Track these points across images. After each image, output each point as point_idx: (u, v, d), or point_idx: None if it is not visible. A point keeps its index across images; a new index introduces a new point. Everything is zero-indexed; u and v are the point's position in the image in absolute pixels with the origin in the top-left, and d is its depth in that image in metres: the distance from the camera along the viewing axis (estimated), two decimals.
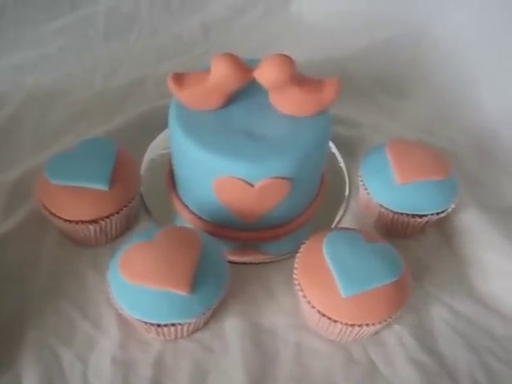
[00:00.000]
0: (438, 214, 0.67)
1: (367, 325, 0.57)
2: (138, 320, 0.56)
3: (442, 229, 0.71)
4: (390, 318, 0.58)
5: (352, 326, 0.57)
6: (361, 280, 0.56)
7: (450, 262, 0.69)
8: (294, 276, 0.61)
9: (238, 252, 0.68)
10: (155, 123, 0.79)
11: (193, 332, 0.61)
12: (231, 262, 0.62)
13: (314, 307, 0.58)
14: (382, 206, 0.67)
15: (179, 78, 0.63)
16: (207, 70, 0.62)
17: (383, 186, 0.67)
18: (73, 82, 0.85)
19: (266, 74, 0.61)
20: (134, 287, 0.56)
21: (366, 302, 0.56)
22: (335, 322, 0.57)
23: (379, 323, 0.57)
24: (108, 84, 0.86)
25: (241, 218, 0.66)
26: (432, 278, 0.67)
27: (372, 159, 0.70)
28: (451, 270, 0.68)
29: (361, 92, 0.86)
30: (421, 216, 0.66)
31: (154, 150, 0.78)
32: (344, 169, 0.77)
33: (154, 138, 0.79)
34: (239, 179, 0.61)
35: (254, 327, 0.62)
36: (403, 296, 0.58)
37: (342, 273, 0.57)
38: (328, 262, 0.58)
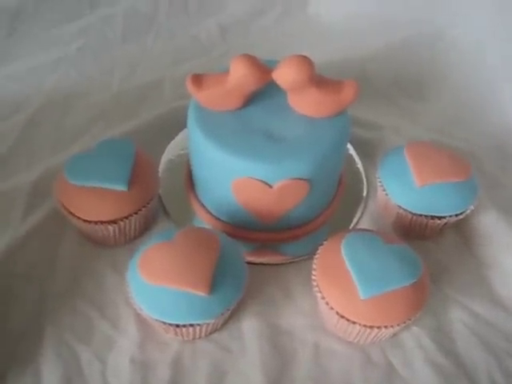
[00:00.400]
0: (456, 215, 0.66)
1: (386, 327, 0.57)
2: (156, 320, 0.57)
3: (460, 231, 0.71)
4: (409, 320, 0.58)
5: (370, 327, 0.57)
6: (379, 281, 0.56)
7: (469, 264, 0.68)
8: (313, 277, 0.61)
9: (256, 253, 0.68)
10: (173, 124, 0.80)
11: (211, 333, 0.61)
12: (249, 263, 0.62)
13: (332, 308, 0.58)
14: (400, 207, 0.67)
15: (198, 79, 0.64)
16: (226, 72, 0.62)
17: (402, 188, 0.66)
18: (91, 84, 0.86)
19: (285, 75, 0.61)
20: (153, 287, 0.56)
21: (384, 303, 0.56)
22: (353, 323, 0.57)
23: (398, 325, 0.57)
24: (125, 85, 0.86)
25: (259, 219, 0.66)
26: (451, 281, 0.66)
27: (390, 161, 0.69)
28: (470, 273, 0.67)
29: (379, 93, 0.86)
30: (439, 218, 0.66)
31: (171, 150, 0.79)
32: (362, 170, 0.77)
33: (171, 139, 0.80)
34: (258, 180, 0.61)
35: (272, 328, 0.62)
36: (422, 298, 0.58)
37: (361, 274, 0.56)
38: (347, 263, 0.58)
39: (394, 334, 0.62)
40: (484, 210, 0.70)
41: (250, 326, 0.62)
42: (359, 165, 0.77)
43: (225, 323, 0.62)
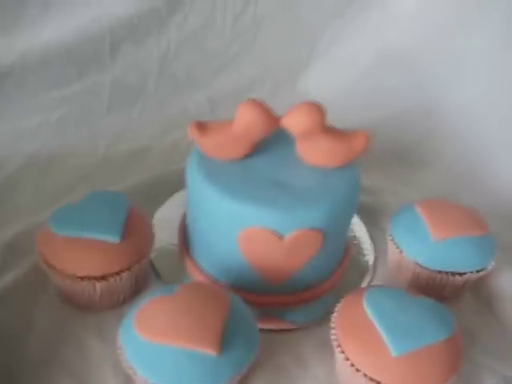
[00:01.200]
0: (478, 272, 0.62)
1: None
2: None
3: (478, 293, 0.66)
4: (446, 381, 0.50)
5: None
6: (411, 336, 0.50)
7: (492, 327, 0.63)
8: (332, 337, 0.53)
9: (261, 320, 0.60)
10: (161, 189, 0.75)
11: None
12: None
13: (358, 370, 0.50)
14: (417, 264, 0.62)
15: (202, 125, 0.60)
16: (231, 120, 0.59)
17: (418, 243, 0.62)
18: (75, 148, 0.81)
19: (295, 121, 0.58)
20: (152, 345, 0.47)
21: (419, 360, 0.49)
22: None
23: None
24: (111, 151, 0.82)
25: (266, 278, 0.60)
26: (478, 345, 0.60)
27: (402, 217, 0.65)
28: (496, 336, 0.62)
29: (376, 163, 0.84)
30: (460, 274, 0.61)
31: (161, 214, 0.72)
32: (366, 235, 0.73)
33: (161, 203, 0.74)
34: (268, 230, 0.56)
35: None
36: (458, 355, 0.51)
37: (390, 328, 0.50)
38: (371, 317, 0.51)
39: None
40: (500, 270, 0.66)
41: None
42: (362, 230, 0.73)
43: None
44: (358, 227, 0.73)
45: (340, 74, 0.94)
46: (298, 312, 0.62)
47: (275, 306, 0.62)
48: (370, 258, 0.70)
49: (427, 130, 0.89)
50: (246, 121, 0.58)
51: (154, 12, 0.87)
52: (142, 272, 0.60)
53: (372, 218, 0.74)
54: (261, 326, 0.57)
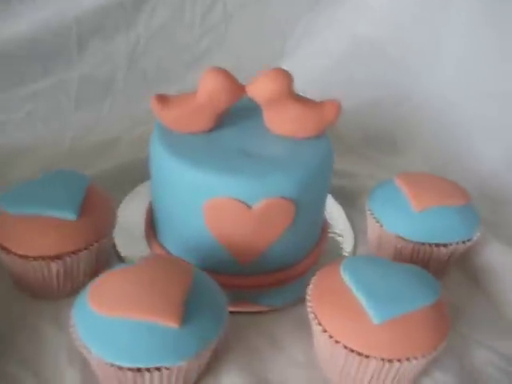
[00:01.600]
0: (463, 242, 0.58)
1: (408, 359, 0.45)
2: (111, 365, 0.42)
3: (464, 268, 0.63)
4: (434, 350, 0.46)
5: (390, 361, 0.45)
6: (394, 302, 0.45)
7: (479, 301, 0.60)
8: (309, 309, 0.49)
9: (232, 303, 0.56)
10: (130, 177, 0.71)
11: None
12: None
13: (338, 342, 0.46)
14: (399, 237, 0.58)
15: (163, 98, 0.57)
16: (194, 92, 0.56)
17: (399, 215, 0.58)
18: (40, 142, 0.77)
19: (261, 87, 0.55)
20: (107, 320, 0.43)
21: (403, 328, 0.45)
22: (367, 357, 0.45)
23: (422, 357, 0.45)
24: (78, 143, 0.78)
25: (236, 256, 0.55)
26: (465, 320, 0.57)
27: (381, 191, 0.62)
28: (483, 310, 0.58)
29: (352, 150, 0.82)
30: (445, 245, 0.57)
31: (129, 202, 0.69)
32: (344, 216, 0.69)
33: (128, 191, 0.70)
34: (234, 199, 0.52)
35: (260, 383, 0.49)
36: (445, 323, 0.47)
37: (369, 295, 0.46)
38: (349, 285, 0.47)
39: (415, 381, 0.49)
40: (485, 245, 0.62)
41: (232, 382, 0.48)
42: (339, 211, 0.70)
43: (200, 379, 0.48)
44: (334, 209, 0.69)
45: (313, 65, 0.92)
46: (271, 295, 0.58)
47: (247, 288, 0.58)
48: (349, 238, 0.66)
49: (402, 117, 0.87)
50: (209, 89, 0.55)
51: (121, 5, 0.85)
52: (102, 254, 0.56)
53: (349, 200, 0.71)
54: (232, 308, 0.52)
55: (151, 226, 0.63)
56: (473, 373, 0.51)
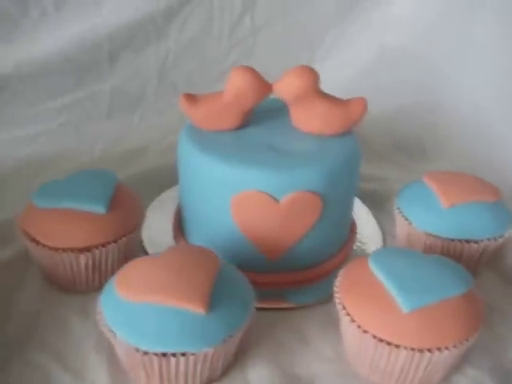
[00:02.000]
0: (495, 239, 0.56)
1: (439, 349, 0.43)
2: (136, 350, 0.42)
3: (497, 267, 0.61)
4: (466, 340, 0.44)
5: (420, 351, 0.43)
6: (423, 290, 0.45)
7: None
8: (337, 300, 0.48)
9: (260, 300, 0.55)
10: (158, 182, 0.72)
11: (207, 382, 0.47)
12: None
13: (366, 332, 0.45)
14: (429, 234, 0.57)
15: (192, 97, 0.58)
16: (221, 91, 0.57)
17: (428, 212, 0.58)
18: (70, 151, 0.79)
19: (287, 84, 0.55)
20: (133, 305, 0.43)
21: (433, 317, 0.44)
22: (397, 347, 0.44)
23: (454, 347, 0.44)
24: (108, 153, 0.80)
25: (263, 251, 0.55)
26: (500, 319, 0.55)
27: (410, 189, 0.62)
28: None
29: (382, 156, 0.82)
30: (476, 241, 0.56)
31: (155, 205, 0.69)
32: (372, 218, 0.68)
33: (156, 195, 0.71)
34: (261, 193, 0.52)
35: (287, 377, 0.48)
36: (478, 312, 0.46)
37: (398, 284, 0.45)
38: (378, 275, 0.46)
39: (446, 378, 0.48)
40: None
41: (258, 375, 0.48)
42: (368, 213, 0.69)
43: (226, 371, 0.48)
44: (363, 212, 0.69)
45: (341, 75, 0.92)
46: (299, 292, 0.57)
47: (275, 285, 0.57)
48: (377, 240, 0.65)
49: (431, 122, 0.86)
50: (236, 86, 0.55)
51: (152, 19, 0.87)
52: (130, 250, 0.56)
53: (378, 204, 0.71)
54: (259, 305, 0.52)
55: (179, 228, 0.63)
56: (508, 369, 0.49)
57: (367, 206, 0.70)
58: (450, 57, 0.89)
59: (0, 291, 0.55)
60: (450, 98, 0.87)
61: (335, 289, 0.49)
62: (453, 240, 0.56)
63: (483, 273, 0.60)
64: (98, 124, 0.86)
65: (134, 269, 0.46)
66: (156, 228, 0.64)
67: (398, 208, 0.61)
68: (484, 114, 0.84)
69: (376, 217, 0.68)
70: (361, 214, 0.69)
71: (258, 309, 0.50)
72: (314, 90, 0.56)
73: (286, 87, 0.56)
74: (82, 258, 0.52)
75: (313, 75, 0.56)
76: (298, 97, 0.55)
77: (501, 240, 0.57)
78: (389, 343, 0.44)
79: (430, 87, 0.88)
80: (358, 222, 0.67)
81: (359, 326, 0.45)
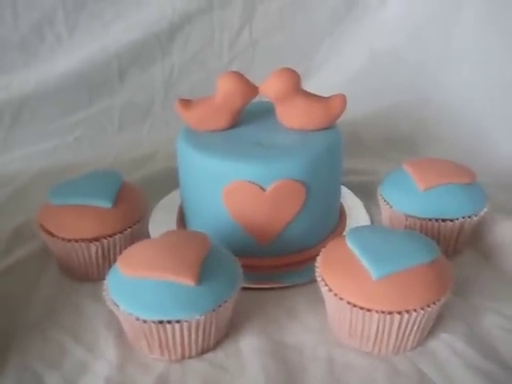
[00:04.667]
0: (469, 217, 0.61)
1: (407, 312, 0.48)
2: (136, 319, 0.48)
3: (478, 246, 0.65)
4: (433, 303, 0.49)
5: (390, 314, 0.48)
6: (392, 259, 0.49)
7: (491, 275, 0.62)
8: (317, 274, 0.53)
9: (252, 282, 0.60)
10: (165, 183, 0.78)
11: (202, 352, 0.52)
12: (244, 288, 0.54)
13: (342, 299, 0.50)
14: (408, 215, 0.61)
15: (186, 102, 0.64)
16: (213, 95, 0.63)
17: (406, 195, 0.62)
18: (85, 161, 0.86)
19: (270, 85, 0.61)
20: (133, 279, 0.49)
21: (401, 283, 0.48)
22: (369, 311, 0.48)
23: (421, 309, 0.48)
24: (120, 159, 0.87)
25: (254, 236, 0.61)
26: (475, 291, 0.59)
27: (390, 177, 0.67)
28: (494, 282, 0.60)
29: (372, 151, 0.87)
30: (452, 220, 0.60)
31: (162, 206, 0.76)
32: (362, 206, 0.73)
33: (163, 196, 0.77)
34: (249, 182, 0.58)
35: (276, 345, 0.53)
36: (443, 280, 0.50)
37: (369, 254, 0.50)
38: (352, 248, 0.51)
39: (420, 344, 0.52)
40: (497, 223, 0.65)
41: (249, 344, 0.53)
42: (357, 202, 0.74)
43: (219, 342, 0.53)
44: (354, 201, 0.74)
45: (337, 80, 0.98)
46: (289, 275, 0.62)
47: (266, 269, 0.62)
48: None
49: (421, 119, 0.91)
50: (225, 90, 0.62)
51: (157, 38, 0.95)
52: (135, 239, 0.62)
53: (369, 195, 0.74)
54: (252, 285, 0.58)
55: (182, 220, 0.69)
56: (480, 334, 0.53)
57: (359, 197, 0.75)
58: (436, 57, 0.94)
59: (23, 281, 0.61)
60: (437, 96, 0.92)
61: (316, 264, 0.54)
62: (430, 220, 0.61)
63: (466, 251, 0.65)
64: (111, 136, 0.94)
65: (134, 249, 0.52)
66: (162, 222, 0.70)
67: (381, 194, 0.66)
68: (470, 109, 0.88)
69: (367, 207, 0.73)
70: (353, 204, 0.74)
71: (250, 289, 0.56)
72: (296, 89, 0.61)
73: (269, 88, 0.61)
74: (92, 248, 0.58)
75: (293, 75, 0.61)
76: (280, 96, 0.61)
77: (476, 218, 0.61)
78: (362, 308, 0.49)
79: (419, 86, 0.93)
80: (349, 212, 0.72)
81: (336, 294, 0.50)
